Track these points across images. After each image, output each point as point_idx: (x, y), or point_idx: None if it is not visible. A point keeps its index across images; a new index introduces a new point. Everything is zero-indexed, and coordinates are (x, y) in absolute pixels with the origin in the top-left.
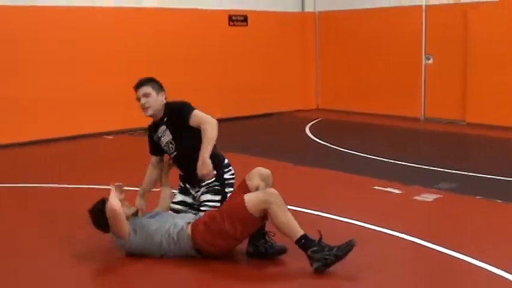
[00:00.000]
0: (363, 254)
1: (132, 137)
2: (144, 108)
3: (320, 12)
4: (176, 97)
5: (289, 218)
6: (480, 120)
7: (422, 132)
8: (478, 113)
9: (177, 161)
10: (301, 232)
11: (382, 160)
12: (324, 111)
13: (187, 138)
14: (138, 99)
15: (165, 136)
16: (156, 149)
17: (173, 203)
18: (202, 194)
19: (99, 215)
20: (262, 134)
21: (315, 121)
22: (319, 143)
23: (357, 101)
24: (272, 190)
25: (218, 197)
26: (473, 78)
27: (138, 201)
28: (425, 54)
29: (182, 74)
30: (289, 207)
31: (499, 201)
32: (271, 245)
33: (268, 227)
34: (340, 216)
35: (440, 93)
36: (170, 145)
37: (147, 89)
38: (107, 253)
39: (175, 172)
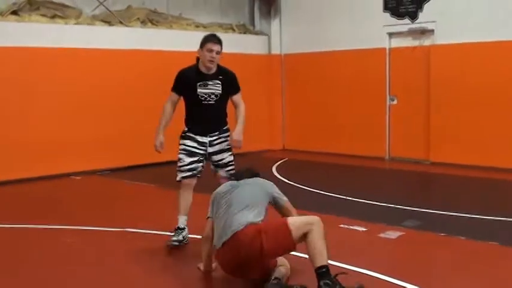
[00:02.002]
0: None
1: (100, 177)
2: (212, 61)
3: (286, 55)
4: (141, 140)
5: (324, 246)
6: (444, 159)
7: (387, 171)
8: (442, 152)
9: (205, 109)
10: (327, 262)
11: (348, 199)
12: (290, 152)
13: (225, 99)
14: (210, 51)
15: (214, 88)
16: (182, 89)
17: (186, 146)
18: (219, 151)
19: None
20: None
21: (282, 161)
22: (286, 182)
23: (323, 141)
24: (315, 216)
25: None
26: (437, 118)
27: (160, 137)
28: (389, 95)
29: (148, 116)
30: None
31: (462, 237)
32: None
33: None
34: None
35: (405, 133)
36: (213, 95)
37: (220, 47)
38: None
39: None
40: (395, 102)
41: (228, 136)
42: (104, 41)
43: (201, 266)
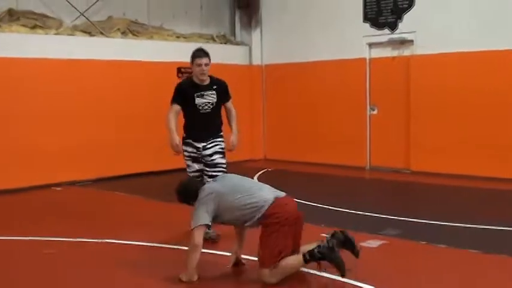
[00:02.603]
0: None
1: (81, 188)
2: (203, 73)
3: (267, 65)
4: (123, 150)
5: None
6: (424, 168)
7: (368, 181)
8: (422, 161)
9: (202, 117)
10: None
11: (329, 208)
12: (271, 162)
13: (219, 106)
14: (199, 65)
15: (210, 97)
16: (183, 100)
17: (189, 152)
18: (211, 154)
19: (189, 186)
20: None
21: (263, 171)
22: None
23: (304, 151)
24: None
25: (225, 161)
26: (417, 128)
27: (176, 138)
28: (369, 105)
29: (130, 126)
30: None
31: (442, 246)
32: None
33: None
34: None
35: (385, 143)
36: (209, 104)
37: (208, 60)
38: None
39: None
40: (375, 112)
41: (222, 141)
42: (85, 52)
43: (184, 277)
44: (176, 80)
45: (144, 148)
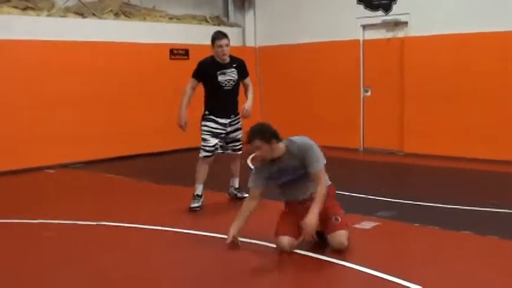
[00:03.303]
0: (303, 281)
1: (74, 170)
2: (225, 54)
3: (260, 47)
4: (115, 132)
5: None
6: (417, 150)
7: (361, 162)
8: (415, 143)
9: (225, 94)
10: None
11: None
12: None
13: (238, 84)
14: (220, 46)
15: (232, 75)
16: (204, 76)
17: (210, 127)
18: (234, 130)
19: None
20: None
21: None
22: None
23: (297, 133)
24: None
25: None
26: (410, 110)
27: (184, 116)
28: (363, 87)
29: (122, 108)
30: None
31: (436, 227)
32: None
33: None
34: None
35: (379, 125)
36: (231, 81)
37: (227, 40)
38: None
39: None
40: (369, 93)
41: (240, 118)
42: (77, 33)
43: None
44: (169, 62)
45: (136, 130)
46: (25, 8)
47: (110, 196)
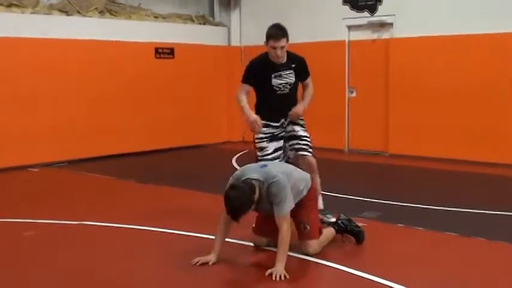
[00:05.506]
0: (287, 282)
1: (58, 169)
2: (278, 57)
3: (246, 47)
4: (98, 131)
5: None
6: (402, 151)
7: (346, 163)
8: (400, 144)
9: (279, 98)
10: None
11: None
12: (249, 143)
13: (297, 86)
14: (274, 48)
15: (288, 77)
16: (256, 80)
17: (265, 133)
18: (291, 130)
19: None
20: (190, 166)
21: (242, 153)
22: None
23: None
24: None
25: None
26: (395, 111)
27: (253, 114)
28: (348, 88)
29: (105, 107)
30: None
31: (420, 228)
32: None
33: None
34: (268, 246)
35: (364, 126)
36: (287, 85)
37: (285, 41)
38: None
39: None
40: (354, 94)
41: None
42: (61, 31)
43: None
44: (154, 61)
45: (120, 129)
46: (9, 5)
47: (92, 195)
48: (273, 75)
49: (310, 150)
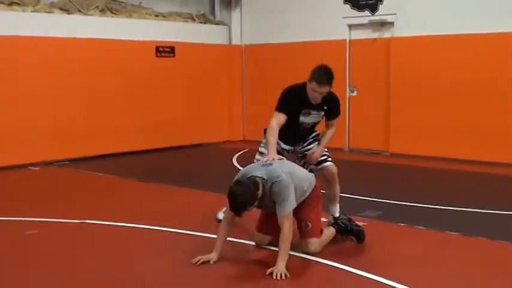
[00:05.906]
0: (287, 281)
1: (59, 167)
2: (317, 100)
3: (246, 45)
4: (100, 130)
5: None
6: (402, 150)
7: (347, 162)
8: (400, 143)
9: (299, 130)
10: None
11: None
12: (250, 142)
13: (318, 121)
14: (314, 91)
15: (316, 117)
16: (288, 109)
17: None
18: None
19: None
20: (190, 164)
21: (242, 152)
22: None
23: None
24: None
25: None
26: (396, 110)
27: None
28: (349, 87)
29: (107, 106)
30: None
31: (421, 227)
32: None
33: None
34: (271, 245)
35: (364, 125)
36: (311, 123)
37: (328, 88)
38: None
39: None
40: (355, 93)
41: (315, 137)
42: (62, 30)
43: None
44: (155, 59)
45: (121, 128)
46: (10, 4)
47: (93, 194)
48: (302, 111)
49: (330, 159)
